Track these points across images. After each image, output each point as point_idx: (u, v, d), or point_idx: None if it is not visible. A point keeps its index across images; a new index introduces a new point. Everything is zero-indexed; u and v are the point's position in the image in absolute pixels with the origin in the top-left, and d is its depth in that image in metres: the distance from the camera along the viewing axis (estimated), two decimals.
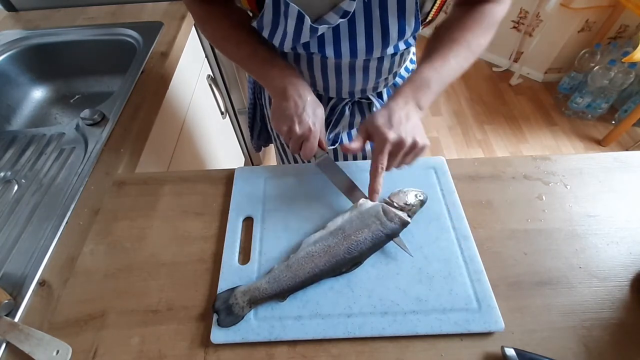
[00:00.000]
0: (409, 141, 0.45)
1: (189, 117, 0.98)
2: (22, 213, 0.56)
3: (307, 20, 0.44)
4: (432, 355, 0.39)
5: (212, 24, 0.54)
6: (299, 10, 0.43)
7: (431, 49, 0.51)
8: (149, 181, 0.58)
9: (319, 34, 0.47)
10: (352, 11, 0.44)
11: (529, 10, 1.95)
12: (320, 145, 0.51)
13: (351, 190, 0.51)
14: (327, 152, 0.53)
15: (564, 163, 0.57)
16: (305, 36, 0.47)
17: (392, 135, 0.44)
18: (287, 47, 0.50)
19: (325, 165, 0.52)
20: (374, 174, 0.46)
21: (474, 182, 0.55)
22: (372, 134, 0.47)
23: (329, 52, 0.50)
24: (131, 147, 0.66)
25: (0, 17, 1.04)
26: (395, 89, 0.50)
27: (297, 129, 0.48)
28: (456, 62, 0.49)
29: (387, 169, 0.46)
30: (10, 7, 1.05)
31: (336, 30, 0.48)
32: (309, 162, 0.53)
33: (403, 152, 0.45)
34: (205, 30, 0.56)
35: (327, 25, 0.46)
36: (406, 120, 0.46)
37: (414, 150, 0.46)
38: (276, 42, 0.51)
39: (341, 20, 0.44)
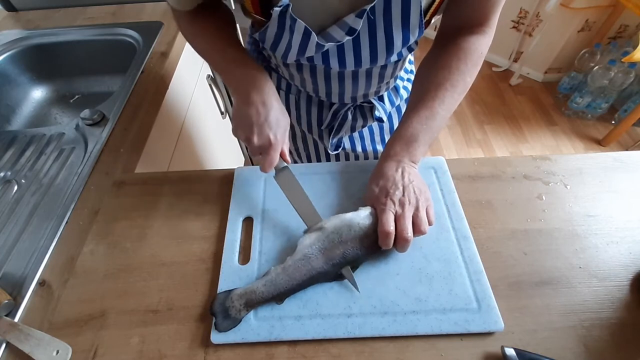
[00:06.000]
0: (408, 199, 0.44)
1: (189, 117, 0.98)
2: (22, 213, 0.56)
3: (314, 37, 0.43)
4: (432, 355, 0.39)
5: (189, 20, 0.52)
6: (305, 27, 0.42)
7: (417, 95, 0.50)
8: (149, 181, 0.58)
9: (324, 49, 0.46)
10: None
11: (529, 10, 1.95)
12: (282, 156, 0.48)
13: (307, 212, 0.47)
14: (289, 164, 0.50)
15: (564, 163, 0.57)
16: (310, 51, 0.46)
17: (389, 202, 0.44)
18: (291, 59, 0.49)
19: (284, 179, 0.49)
20: (381, 237, 0.43)
21: (474, 182, 0.55)
22: (374, 206, 0.46)
23: (334, 64, 0.49)
24: (131, 147, 0.66)
25: (0, 17, 1.04)
26: (385, 146, 0.49)
27: (256, 140, 0.46)
28: (443, 109, 0.48)
29: (401, 234, 0.42)
30: (10, 7, 1.05)
31: (340, 44, 0.47)
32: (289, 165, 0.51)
33: (407, 210, 0.43)
34: (182, 27, 0.54)
35: (333, 43, 0.45)
36: (402, 180, 0.45)
37: (418, 205, 0.44)
38: (279, 54, 0.50)
39: (348, 37, 0.44)
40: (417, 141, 0.47)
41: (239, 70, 0.49)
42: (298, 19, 0.42)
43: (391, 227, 0.42)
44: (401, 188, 0.45)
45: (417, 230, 0.43)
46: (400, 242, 0.43)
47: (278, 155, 0.47)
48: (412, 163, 0.47)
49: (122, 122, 0.71)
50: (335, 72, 0.55)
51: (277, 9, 0.41)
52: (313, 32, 0.43)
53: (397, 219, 0.43)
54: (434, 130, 0.48)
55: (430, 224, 0.44)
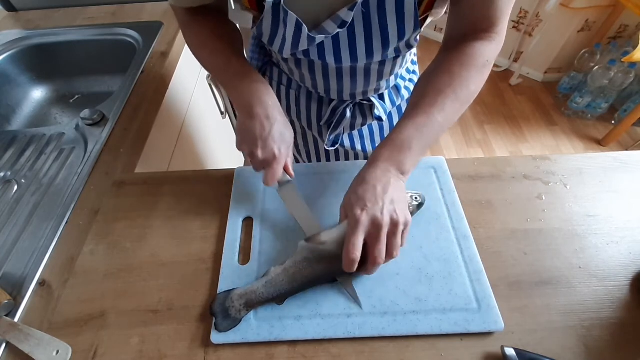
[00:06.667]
0: (385, 220, 0.39)
1: (189, 117, 0.98)
2: (22, 213, 0.56)
3: (305, 29, 0.43)
4: (432, 355, 0.39)
5: (193, 30, 0.52)
6: (297, 19, 0.42)
7: (416, 100, 0.46)
8: (149, 181, 0.58)
9: (316, 43, 0.46)
10: (351, 21, 0.43)
11: (529, 10, 1.95)
12: (286, 170, 0.47)
13: (311, 227, 0.46)
14: (292, 178, 0.49)
15: (564, 163, 0.57)
16: (303, 44, 0.46)
17: (364, 217, 0.39)
18: (287, 53, 0.49)
19: (288, 193, 0.49)
20: (345, 262, 0.39)
21: (474, 182, 0.55)
22: (347, 214, 0.42)
23: (329, 59, 0.49)
24: (131, 147, 0.66)
25: (0, 17, 1.04)
26: (374, 151, 0.45)
27: (260, 154, 0.45)
28: (442, 117, 0.44)
29: (373, 259, 0.39)
30: (10, 7, 1.06)
31: (335, 38, 0.47)
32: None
33: (384, 233, 0.39)
34: (186, 36, 0.54)
35: (324, 36, 0.45)
36: (383, 194, 0.40)
37: (396, 229, 0.39)
38: (275, 48, 0.50)
39: (339, 30, 0.43)
40: (409, 149, 0.43)
41: (243, 83, 0.48)
42: (289, 11, 0.42)
43: (356, 254, 0.38)
44: (380, 204, 0.39)
45: (388, 254, 0.39)
46: (370, 267, 0.39)
47: (281, 169, 0.46)
48: (400, 174, 0.43)
49: (122, 122, 0.71)
50: (333, 68, 0.55)
51: (269, 1, 0.41)
52: (304, 25, 0.43)
53: (371, 241, 0.39)
54: (429, 138, 0.44)
55: (401, 245, 0.41)
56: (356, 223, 0.39)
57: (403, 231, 0.40)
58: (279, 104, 0.49)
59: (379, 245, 0.38)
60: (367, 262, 0.39)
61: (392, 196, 0.40)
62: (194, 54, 0.54)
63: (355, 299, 0.43)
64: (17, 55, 0.95)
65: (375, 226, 0.39)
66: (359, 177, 0.43)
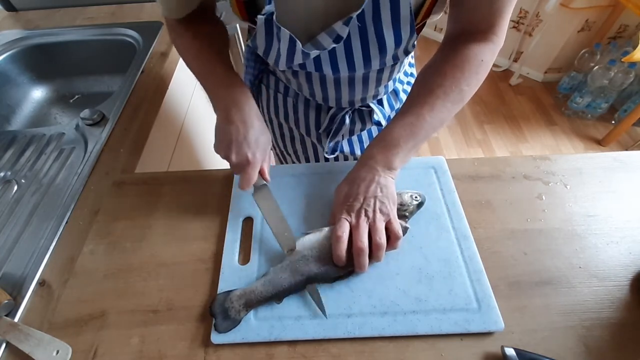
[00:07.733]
0: (365, 210, 0.43)
1: (189, 117, 0.98)
2: (22, 213, 0.56)
3: (299, 45, 0.43)
4: (432, 355, 0.40)
5: (178, 32, 0.53)
6: (290, 35, 0.42)
7: (408, 100, 0.48)
8: (149, 181, 0.58)
9: (311, 57, 0.46)
10: (346, 35, 0.43)
11: (529, 10, 1.95)
12: (262, 174, 0.48)
13: (282, 233, 0.47)
14: (268, 183, 0.50)
15: (564, 163, 0.57)
16: (298, 59, 0.46)
17: (345, 212, 0.44)
18: (282, 66, 0.49)
19: (262, 197, 0.49)
20: (334, 256, 0.43)
21: (474, 182, 0.55)
22: (334, 212, 0.45)
23: (327, 70, 0.49)
24: (131, 147, 0.66)
25: (0, 17, 1.04)
26: (365, 149, 0.48)
27: (234, 158, 0.46)
28: (431, 116, 0.45)
29: (355, 243, 0.42)
30: (10, 7, 1.06)
31: (332, 50, 0.46)
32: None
33: (362, 221, 0.43)
34: (171, 38, 0.55)
35: (318, 51, 0.44)
36: (366, 191, 0.44)
37: (377, 217, 0.43)
38: (271, 61, 0.50)
39: (334, 45, 0.43)
40: (397, 147, 0.45)
41: (222, 89, 0.49)
42: (282, 27, 0.42)
43: (342, 233, 0.42)
44: (361, 200, 0.44)
45: (372, 241, 0.42)
46: (356, 258, 0.42)
47: (256, 174, 0.47)
48: (388, 170, 0.46)
49: (122, 122, 0.71)
50: (330, 78, 0.55)
51: (261, 17, 0.41)
52: (298, 40, 0.43)
53: (353, 233, 0.43)
54: (418, 137, 0.46)
55: (395, 237, 0.43)
56: (340, 216, 0.44)
57: (390, 221, 0.43)
58: (257, 110, 0.49)
59: (357, 231, 0.42)
60: (353, 249, 0.42)
61: (375, 191, 0.44)
62: (180, 55, 0.55)
63: (320, 308, 0.42)
64: (17, 55, 0.95)
65: (356, 218, 0.43)
66: (347, 177, 0.47)
